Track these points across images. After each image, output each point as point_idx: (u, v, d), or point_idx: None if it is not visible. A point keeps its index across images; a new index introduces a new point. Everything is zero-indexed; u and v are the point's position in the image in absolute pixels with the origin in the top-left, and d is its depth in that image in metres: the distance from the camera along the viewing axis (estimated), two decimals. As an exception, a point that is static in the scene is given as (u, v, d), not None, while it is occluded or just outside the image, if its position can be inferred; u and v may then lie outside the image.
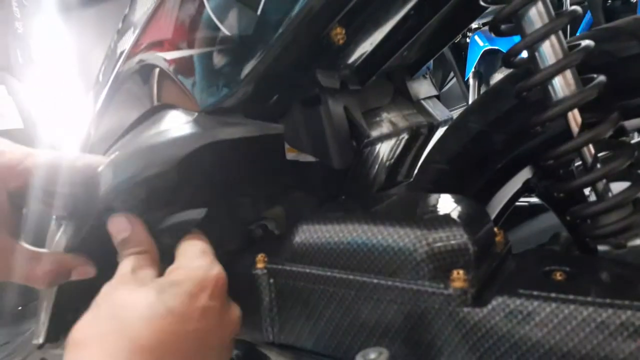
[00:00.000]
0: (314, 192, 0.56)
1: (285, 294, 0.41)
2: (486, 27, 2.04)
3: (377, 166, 0.57)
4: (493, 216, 0.51)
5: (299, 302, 0.40)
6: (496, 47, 1.99)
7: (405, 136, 0.57)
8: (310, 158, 0.51)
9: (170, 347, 0.32)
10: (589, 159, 0.37)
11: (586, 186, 0.38)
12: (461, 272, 0.32)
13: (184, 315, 0.33)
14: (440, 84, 2.49)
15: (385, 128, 0.54)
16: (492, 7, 0.46)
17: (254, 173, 0.54)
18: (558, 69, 0.36)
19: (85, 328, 0.32)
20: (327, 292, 0.38)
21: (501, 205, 0.50)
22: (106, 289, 0.35)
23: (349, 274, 0.37)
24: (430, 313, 0.33)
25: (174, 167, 0.40)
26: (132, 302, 0.33)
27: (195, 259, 0.37)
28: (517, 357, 0.30)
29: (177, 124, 0.46)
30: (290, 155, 0.53)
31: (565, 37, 0.38)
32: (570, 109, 0.36)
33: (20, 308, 1.04)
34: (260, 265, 0.42)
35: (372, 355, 0.32)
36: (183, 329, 0.32)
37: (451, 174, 0.51)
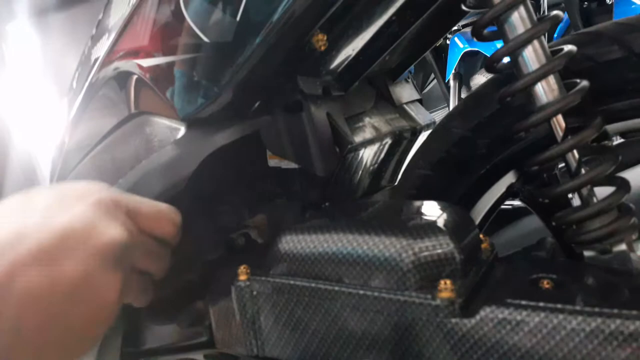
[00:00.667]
0: (297, 199, 0.55)
1: (269, 306, 0.40)
2: (466, 29, 2.06)
3: (360, 172, 0.56)
4: (477, 221, 0.51)
5: (284, 315, 0.39)
6: (476, 49, 2.00)
7: (388, 141, 0.56)
8: (292, 165, 0.50)
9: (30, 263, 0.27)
10: (574, 164, 0.37)
11: (571, 192, 0.38)
12: (448, 282, 0.32)
13: (43, 212, 0.29)
14: (421, 86, 2.50)
15: (368, 133, 0.54)
16: (473, 11, 0.46)
17: (236, 180, 0.53)
18: (541, 75, 0.36)
19: None
20: (312, 303, 0.37)
21: (485, 210, 0.50)
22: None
23: (334, 285, 0.36)
24: (418, 324, 0.33)
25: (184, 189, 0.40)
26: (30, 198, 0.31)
27: (143, 205, 0.35)
28: (506, 367, 0.30)
29: (163, 139, 0.45)
30: (273, 162, 0.52)
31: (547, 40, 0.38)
32: (554, 114, 0.36)
33: None
34: (242, 277, 0.41)
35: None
36: (31, 224, 0.28)
37: (435, 179, 0.51)
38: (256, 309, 0.40)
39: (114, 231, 0.30)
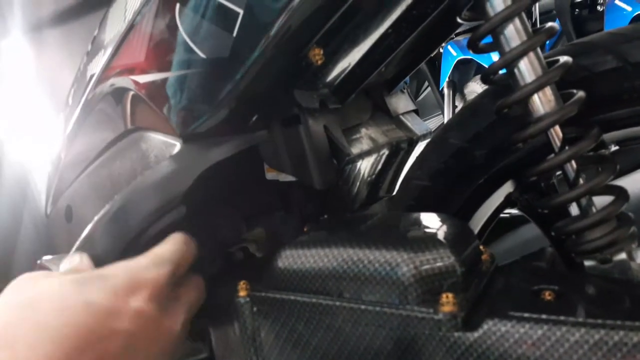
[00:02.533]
0: (295, 212, 0.55)
1: (270, 322, 0.39)
2: (459, 37, 2.07)
3: (358, 183, 0.56)
4: (476, 230, 0.51)
5: (285, 331, 0.39)
6: (469, 57, 2.02)
7: (385, 152, 0.56)
8: (290, 178, 0.50)
9: (93, 344, 0.28)
10: (572, 174, 0.37)
11: (570, 202, 0.38)
12: (450, 295, 0.32)
13: (109, 312, 0.29)
14: (415, 94, 2.51)
15: (365, 145, 0.54)
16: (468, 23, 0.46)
17: (233, 194, 0.53)
18: (538, 86, 0.36)
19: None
20: (313, 319, 0.37)
21: (484, 220, 0.50)
22: (17, 279, 0.31)
23: (335, 300, 0.36)
24: (420, 339, 0.33)
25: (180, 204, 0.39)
26: (47, 292, 0.29)
27: (141, 258, 0.34)
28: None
29: (159, 155, 0.45)
30: (270, 175, 0.52)
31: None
32: (552, 125, 0.36)
33: None
34: (242, 293, 0.41)
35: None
36: (108, 327, 0.29)
37: (433, 189, 0.51)
38: (257, 325, 0.40)
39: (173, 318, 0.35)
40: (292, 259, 0.39)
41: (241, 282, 0.41)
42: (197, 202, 0.47)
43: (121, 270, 0.32)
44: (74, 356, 0.27)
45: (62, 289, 0.29)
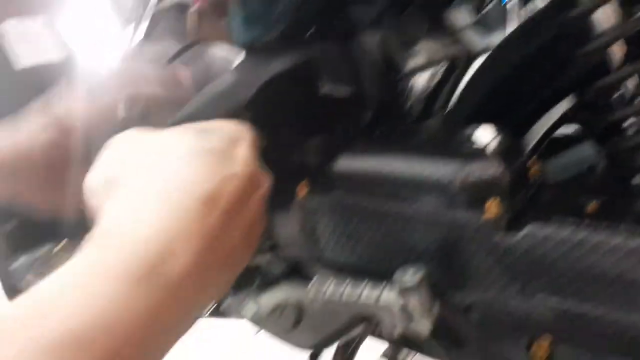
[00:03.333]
0: (350, 126, 0.58)
1: (327, 220, 0.44)
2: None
3: (413, 98, 0.58)
4: (531, 146, 0.51)
5: (339, 227, 0.43)
6: (538, -35, 1.86)
7: (442, 67, 0.57)
8: (345, 92, 0.52)
9: (221, 190, 0.28)
10: (631, 92, 0.37)
11: (627, 119, 0.38)
12: (496, 201, 0.34)
13: (227, 157, 0.30)
14: (477, 8, 2.37)
15: (421, 59, 0.54)
16: None
17: (292, 106, 0.56)
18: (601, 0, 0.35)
19: (99, 174, 0.30)
20: (366, 217, 0.41)
21: (539, 136, 0.50)
22: (128, 133, 0.32)
23: (387, 201, 0.40)
24: (464, 239, 0.36)
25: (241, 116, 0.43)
26: (171, 141, 0.30)
27: (226, 121, 0.35)
28: (546, 280, 0.33)
29: (221, 67, 0.48)
30: (326, 88, 0.54)
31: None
32: (614, 41, 0.36)
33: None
34: (302, 192, 0.45)
35: (410, 273, 0.35)
36: (230, 171, 0.30)
37: (489, 104, 0.51)
38: (315, 222, 0.44)
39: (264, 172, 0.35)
40: (348, 163, 0.42)
41: (302, 183, 0.45)
42: (256, 115, 0.50)
43: (220, 124, 0.34)
44: (211, 195, 0.28)
45: (186, 138, 0.30)
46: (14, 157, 0.39)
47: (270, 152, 0.55)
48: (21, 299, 0.23)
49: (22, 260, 1.13)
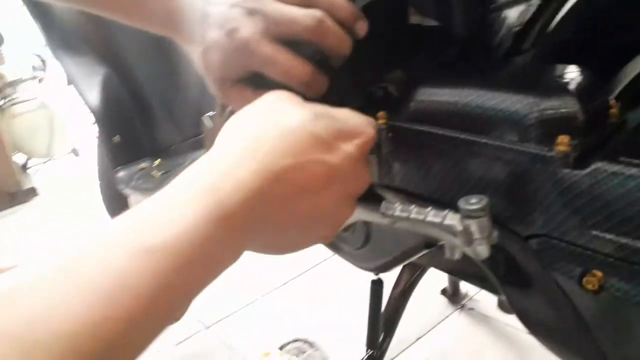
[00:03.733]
0: (435, 58, 0.58)
1: (401, 147, 0.47)
2: None
3: (502, 33, 0.57)
4: (618, 90, 0.50)
5: (413, 155, 0.46)
6: None
7: (535, 1, 0.55)
8: (434, 22, 0.53)
9: (299, 172, 0.33)
10: None
11: None
12: (566, 137, 0.35)
13: (328, 146, 0.34)
14: None
15: (515, -8, 0.53)
16: None
17: (378, 37, 0.57)
18: None
19: (242, 117, 0.36)
20: (438, 148, 0.44)
21: (627, 80, 0.49)
22: (269, 95, 0.37)
23: (460, 133, 0.42)
24: (531, 172, 0.37)
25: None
26: (291, 113, 0.35)
27: (358, 114, 0.40)
28: (605, 215, 0.34)
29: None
30: (415, 19, 0.55)
31: None
32: None
33: (172, 146, 1.24)
34: (380, 121, 0.48)
35: (474, 200, 0.37)
36: (320, 159, 0.34)
37: (578, 44, 0.50)
38: (390, 148, 0.47)
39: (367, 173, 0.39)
40: (426, 94, 0.44)
41: (380, 113, 0.48)
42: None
43: (348, 116, 0.38)
44: (285, 172, 0.33)
45: (304, 116, 0.35)
46: None
47: (351, 82, 0.58)
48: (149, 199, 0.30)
49: (124, 171, 1.28)
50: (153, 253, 0.27)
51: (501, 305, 0.74)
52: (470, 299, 1.10)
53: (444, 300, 1.12)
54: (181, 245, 0.28)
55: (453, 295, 1.10)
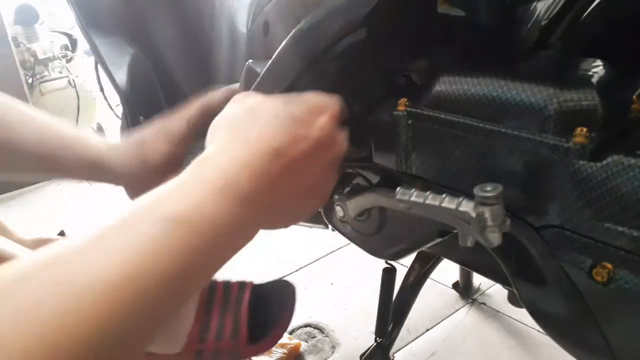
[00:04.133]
0: (461, 48, 0.59)
1: (420, 135, 0.47)
2: None
3: (529, 25, 0.57)
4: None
5: (431, 142, 0.47)
6: None
7: (565, -4, 0.55)
8: (461, 12, 0.53)
9: (294, 142, 0.38)
10: None
11: None
12: (585, 129, 0.36)
13: (304, 123, 0.39)
14: None
15: (544, -15, 0.53)
16: None
17: (404, 25, 0.58)
18: None
19: (223, 118, 0.41)
20: (457, 136, 0.44)
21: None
22: (239, 96, 0.43)
23: (479, 122, 0.42)
24: (547, 162, 0.38)
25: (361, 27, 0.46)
26: (263, 104, 0.40)
27: (321, 94, 0.44)
28: (619, 208, 0.34)
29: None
30: (442, 8, 0.55)
31: None
32: None
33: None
34: (401, 107, 0.48)
35: (489, 187, 0.38)
36: (302, 134, 0.39)
37: (608, 38, 0.50)
38: (409, 135, 0.48)
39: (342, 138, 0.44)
40: (448, 83, 0.45)
41: (402, 99, 0.49)
42: (374, 27, 0.53)
43: (312, 96, 0.43)
44: (280, 148, 0.37)
45: (276, 104, 0.40)
46: None
47: (375, 70, 0.58)
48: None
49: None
50: (179, 223, 0.30)
51: (511, 299, 0.74)
52: (481, 294, 1.10)
53: (455, 293, 1.12)
54: (201, 217, 0.32)
55: (464, 289, 1.10)
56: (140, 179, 0.59)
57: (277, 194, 0.37)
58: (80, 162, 0.54)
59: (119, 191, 0.60)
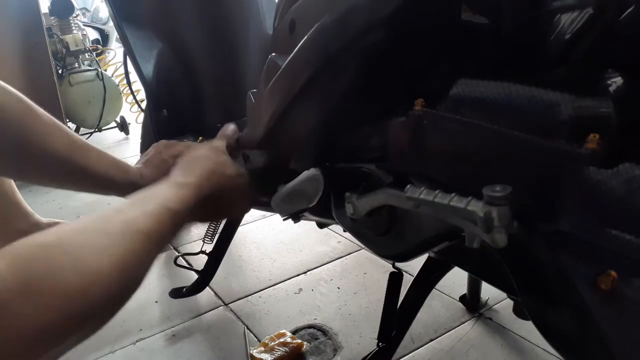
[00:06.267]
0: (482, 55, 0.59)
1: (434, 135, 0.48)
2: None
3: (552, 38, 0.57)
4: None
5: (445, 143, 0.47)
6: None
7: (589, 11, 0.55)
8: (484, 20, 0.53)
9: (220, 171, 0.64)
10: None
11: None
12: (597, 136, 0.36)
13: (216, 159, 0.66)
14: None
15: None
16: None
17: (426, 30, 0.59)
18: None
19: (187, 153, 0.67)
20: (470, 138, 0.45)
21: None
22: (195, 146, 0.74)
23: (493, 124, 0.43)
24: (558, 166, 0.38)
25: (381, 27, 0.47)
26: (203, 149, 0.68)
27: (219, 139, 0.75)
28: (627, 216, 0.35)
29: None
30: (466, 15, 0.55)
31: None
32: None
33: (219, 125, 1.29)
34: (418, 107, 0.49)
35: (498, 188, 0.38)
36: (220, 168, 0.65)
37: (631, 52, 0.50)
38: (424, 135, 0.49)
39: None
40: (464, 87, 0.45)
41: (419, 100, 0.49)
42: (395, 28, 0.54)
43: (213, 144, 0.72)
44: (212, 173, 0.63)
45: (205, 149, 0.69)
46: None
47: (393, 71, 0.59)
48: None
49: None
50: (168, 208, 0.50)
51: (516, 311, 0.74)
52: (488, 309, 1.09)
53: (461, 306, 1.12)
54: (178, 211, 0.52)
55: (471, 303, 1.09)
56: None
57: (208, 208, 0.62)
58: (126, 182, 0.72)
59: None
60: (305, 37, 0.60)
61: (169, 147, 0.76)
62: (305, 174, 0.67)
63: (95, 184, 0.70)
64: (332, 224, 0.81)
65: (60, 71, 2.61)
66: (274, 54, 0.62)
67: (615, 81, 0.42)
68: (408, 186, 0.49)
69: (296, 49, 0.62)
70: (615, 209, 0.35)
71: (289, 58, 0.60)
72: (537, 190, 0.40)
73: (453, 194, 0.44)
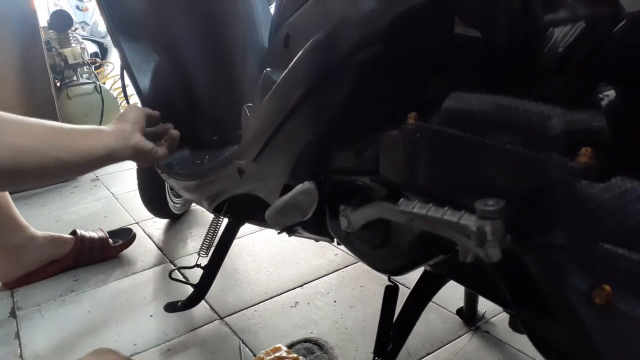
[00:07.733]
0: (476, 68, 0.59)
1: (427, 148, 0.48)
2: None
3: (544, 51, 0.57)
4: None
5: (438, 157, 0.47)
6: None
7: (582, 24, 0.55)
8: (477, 33, 0.53)
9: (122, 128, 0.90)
10: None
11: None
12: (589, 149, 0.36)
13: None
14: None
15: (562, 13, 0.54)
16: None
17: (423, 40, 0.59)
18: None
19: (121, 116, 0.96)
20: (463, 151, 0.45)
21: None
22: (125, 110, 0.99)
23: (485, 138, 0.43)
24: (551, 180, 0.38)
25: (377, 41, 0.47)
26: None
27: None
28: (620, 230, 0.34)
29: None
30: (459, 28, 0.56)
31: None
32: None
33: (215, 138, 1.28)
34: (411, 121, 0.49)
35: (491, 202, 0.38)
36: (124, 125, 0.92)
37: (624, 65, 0.50)
38: (416, 148, 0.49)
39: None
40: (456, 100, 0.45)
41: (412, 113, 0.49)
42: (390, 42, 0.54)
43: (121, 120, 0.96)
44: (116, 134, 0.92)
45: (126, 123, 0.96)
46: None
47: (386, 83, 0.59)
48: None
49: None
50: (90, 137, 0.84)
51: (512, 324, 0.73)
52: (485, 322, 1.08)
53: (458, 320, 1.11)
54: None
55: (468, 316, 1.08)
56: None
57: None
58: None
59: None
60: (300, 53, 0.60)
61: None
62: (299, 187, 0.66)
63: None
64: (326, 241, 0.81)
65: (58, 84, 2.61)
66: (269, 69, 0.63)
67: (608, 94, 0.42)
68: (401, 199, 0.49)
69: (290, 64, 0.62)
70: (608, 223, 0.35)
71: (284, 74, 0.60)
72: (530, 204, 0.40)
73: (446, 208, 0.44)
